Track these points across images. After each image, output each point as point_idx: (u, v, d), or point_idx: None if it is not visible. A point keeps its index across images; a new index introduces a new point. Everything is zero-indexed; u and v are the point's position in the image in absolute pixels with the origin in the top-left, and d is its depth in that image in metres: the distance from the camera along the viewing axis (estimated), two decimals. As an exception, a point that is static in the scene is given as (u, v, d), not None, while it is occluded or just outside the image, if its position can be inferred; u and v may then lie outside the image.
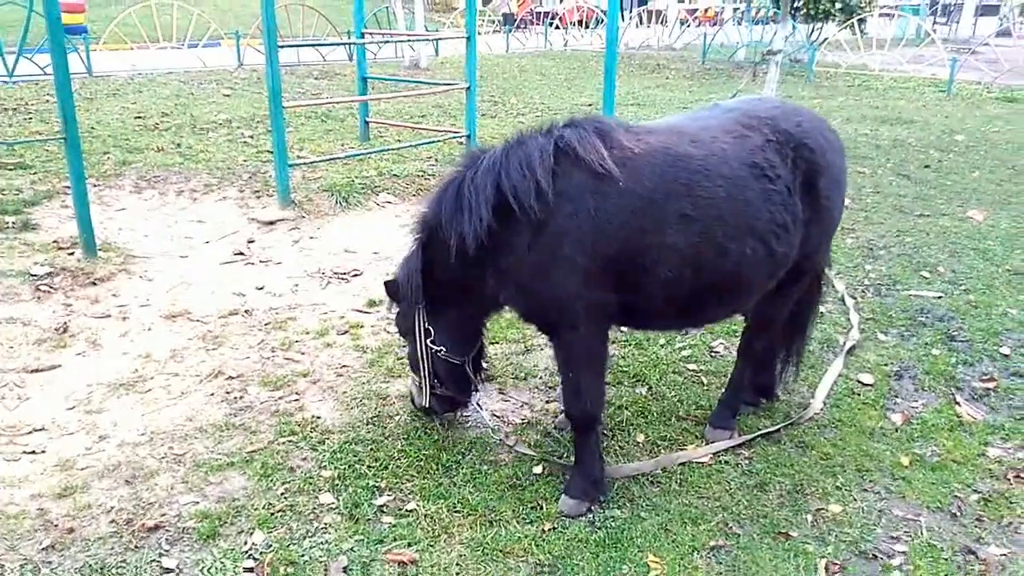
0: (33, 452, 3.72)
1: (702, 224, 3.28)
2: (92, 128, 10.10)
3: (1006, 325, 5.25)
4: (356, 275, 6.05)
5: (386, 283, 3.76)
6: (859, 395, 4.45)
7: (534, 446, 3.90)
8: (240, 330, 5.07)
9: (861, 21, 19.71)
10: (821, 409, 4.28)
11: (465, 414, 4.16)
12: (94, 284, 5.63)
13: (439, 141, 9.20)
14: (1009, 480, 3.73)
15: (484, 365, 4.09)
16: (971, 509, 3.53)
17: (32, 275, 5.56)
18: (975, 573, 3.17)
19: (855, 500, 3.58)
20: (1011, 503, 3.56)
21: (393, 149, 8.81)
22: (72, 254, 6.04)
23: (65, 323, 5.00)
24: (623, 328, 4.22)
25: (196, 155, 8.92)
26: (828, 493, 3.63)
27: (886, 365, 4.76)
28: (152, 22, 19.79)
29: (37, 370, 4.48)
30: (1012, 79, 17.95)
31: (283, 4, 20.41)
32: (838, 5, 19.22)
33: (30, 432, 3.89)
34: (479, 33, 26.59)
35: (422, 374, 3.79)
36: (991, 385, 4.55)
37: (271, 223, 7.08)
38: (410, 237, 3.67)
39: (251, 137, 10.38)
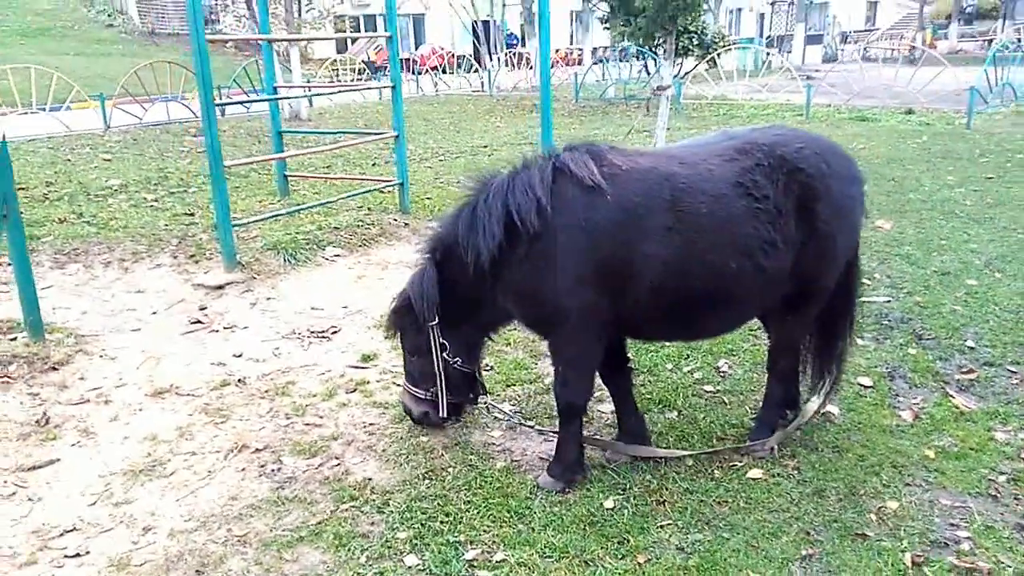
0: (77, 555, 3.40)
1: (684, 237, 3.55)
2: (-25, 203, 9.33)
3: (960, 321, 5.72)
4: (335, 332, 5.88)
5: (395, 309, 4.04)
6: (865, 397, 4.73)
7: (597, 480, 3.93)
8: (240, 400, 4.81)
9: (718, 55, 21.05)
10: (839, 413, 4.52)
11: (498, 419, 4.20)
12: (55, 369, 5.20)
13: (373, 190, 9.09)
14: (1023, 459, 4.07)
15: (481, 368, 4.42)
16: (1006, 490, 3.82)
17: (-17, 366, 5.08)
18: (1034, 546, 3.44)
19: (905, 495, 3.79)
20: (1037, 480, 3.88)
21: (334, 200, 8.63)
22: (15, 339, 5.56)
23: (44, 414, 4.60)
24: (632, 338, 4.33)
25: (107, 224, 8.41)
26: (880, 492, 3.83)
27: (876, 367, 5.09)
28: (7, 86, 18.54)
29: (34, 467, 4.10)
30: (858, 100, 19.63)
31: (148, 63, 19.61)
32: (695, 42, 20.38)
33: (61, 534, 3.55)
34: (335, 81, 26.50)
35: (439, 386, 4.04)
36: (972, 376, 4.94)
37: (219, 287, 6.76)
38: (419, 257, 3.99)
39: (155, 200, 9.92)
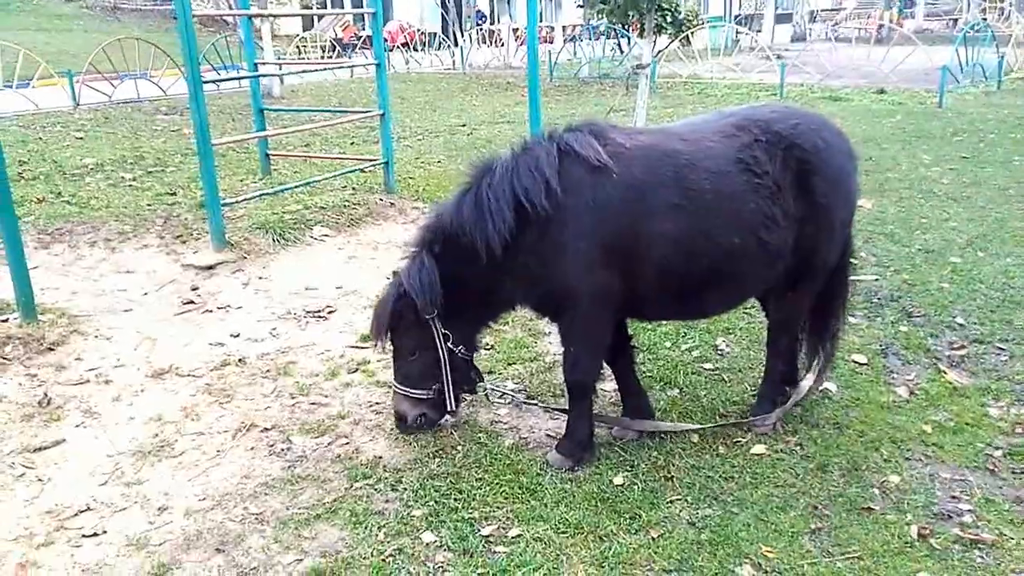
0: (94, 534, 3.39)
1: (690, 213, 3.60)
2: (-53, 182, 9.14)
3: (947, 299, 5.85)
4: (331, 312, 5.86)
5: (389, 307, 3.80)
6: (861, 374, 4.83)
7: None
8: (243, 380, 4.80)
9: (691, 33, 21.08)
10: (836, 390, 4.62)
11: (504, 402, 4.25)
12: (51, 350, 5.13)
13: (356, 170, 9.03)
14: (1019, 434, 4.18)
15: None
16: (1003, 464, 3.93)
17: (-25, 347, 4.99)
18: (1033, 517, 3.55)
19: (906, 469, 3.90)
20: (1031, 453, 4.01)
21: (319, 180, 8.55)
22: (6, 320, 5.47)
23: (46, 395, 4.54)
24: (634, 319, 4.37)
25: (88, 203, 8.29)
26: (881, 466, 3.93)
27: (870, 345, 5.19)
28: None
29: (41, 448, 4.06)
30: (830, 80, 19.82)
31: (117, 39, 19.22)
32: (669, 20, 20.32)
33: (76, 514, 3.53)
34: (303, 58, 26.13)
35: (445, 379, 3.92)
36: (963, 352, 5.07)
37: (210, 267, 6.68)
38: (412, 249, 3.84)
39: (134, 180, 9.77)
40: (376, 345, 3.99)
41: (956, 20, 41.60)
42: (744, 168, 3.70)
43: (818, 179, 3.83)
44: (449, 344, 3.88)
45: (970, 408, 4.42)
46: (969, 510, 3.59)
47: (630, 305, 3.84)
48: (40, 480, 3.79)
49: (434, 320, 3.81)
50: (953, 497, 3.69)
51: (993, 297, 5.86)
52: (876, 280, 6.32)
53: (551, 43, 30.79)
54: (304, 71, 17.14)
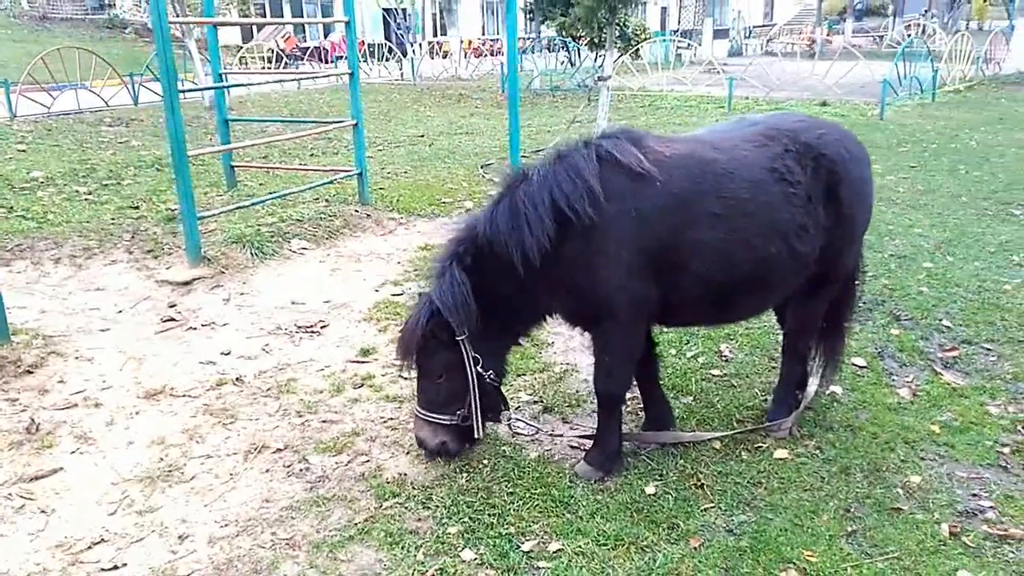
0: (114, 567, 3.20)
1: (729, 222, 3.60)
2: None
3: (930, 303, 5.99)
4: (324, 326, 5.70)
5: (419, 326, 3.58)
6: (863, 377, 4.91)
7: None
8: (243, 400, 4.62)
9: (639, 47, 21.35)
10: (842, 393, 4.68)
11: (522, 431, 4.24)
12: (29, 373, 4.88)
13: (328, 182, 8.85)
14: (1021, 432, 4.29)
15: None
16: (1014, 460, 4.02)
17: (-50, 372, 4.71)
18: (1052, 512, 3.64)
19: (924, 469, 3.95)
20: (1038, 450, 4.11)
21: (293, 192, 8.35)
22: (-25, 343, 5.18)
23: (32, 420, 4.30)
24: (664, 326, 4.32)
25: (45, 217, 7.98)
26: (900, 467, 3.98)
27: (866, 348, 5.28)
28: None
29: (37, 477, 3.83)
30: (774, 92, 20.30)
31: (57, 48, 18.57)
32: (617, 33, 20.60)
33: (89, 547, 3.33)
34: (245, 69, 25.67)
35: (473, 405, 3.72)
36: (954, 354, 5.19)
37: (186, 283, 6.46)
38: (440, 265, 3.66)
39: (89, 193, 9.44)
40: (403, 368, 3.84)
41: (882, 37, 43.04)
42: (778, 178, 3.71)
43: (844, 188, 3.87)
44: (479, 368, 3.68)
45: (971, 408, 4.52)
46: (991, 507, 3.66)
47: (666, 312, 3.80)
48: (43, 511, 3.57)
49: (464, 342, 3.62)
50: (974, 495, 3.75)
51: (972, 300, 6.02)
52: (858, 284, 6.42)
53: (493, 56, 30.87)
54: (283, 80, 16.81)
